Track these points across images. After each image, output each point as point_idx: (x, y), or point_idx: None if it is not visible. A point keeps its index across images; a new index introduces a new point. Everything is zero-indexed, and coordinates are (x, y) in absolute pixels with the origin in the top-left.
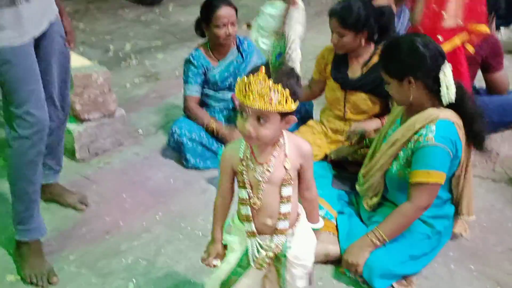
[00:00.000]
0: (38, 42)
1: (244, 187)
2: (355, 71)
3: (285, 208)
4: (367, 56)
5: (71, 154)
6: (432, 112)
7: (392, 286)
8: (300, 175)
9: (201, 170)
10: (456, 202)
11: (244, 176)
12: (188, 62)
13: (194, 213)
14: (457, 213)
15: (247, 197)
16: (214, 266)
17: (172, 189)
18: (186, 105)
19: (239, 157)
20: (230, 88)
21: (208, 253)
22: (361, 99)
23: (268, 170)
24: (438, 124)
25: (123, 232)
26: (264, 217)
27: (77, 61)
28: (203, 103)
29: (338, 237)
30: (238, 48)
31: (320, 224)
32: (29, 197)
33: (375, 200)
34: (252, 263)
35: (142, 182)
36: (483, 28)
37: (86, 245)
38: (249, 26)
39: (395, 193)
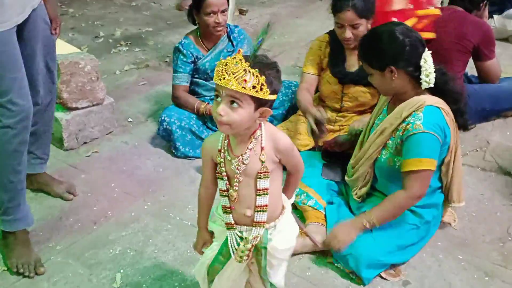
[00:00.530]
0: (21, 29)
1: (222, 178)
2: (352, 64)
3: (261, 201)
4: None
5: (59, 143)
6: (418, 99)
7: (380, 275)
8: (285, 164)
9: (190, 160)
10: (446, 190)
11: (222, 167)
12: (177, 50)
13: (183, 202)
14: (447, 201)
15: (225, 189)
16: (202, 253)
17: (161, 178)
18: (175, 94)
19: (218, 148)
20: None
21: (197, 241)
22: (360, 92)
23: (243, 163)
24: (425, 111)
25: (111, 222)
26: (242, 208)
27: (64, 48)
28: (193, 92)
29: (326, 227)
30: (228, 36)
31: (292, 199)
32: (14, 187)
33: (364, 190)
34: (232, 255)
35: (131, 171)
36: (433, 11)
37: (74, 235)
38: (241, 12)
39: (385, 182)
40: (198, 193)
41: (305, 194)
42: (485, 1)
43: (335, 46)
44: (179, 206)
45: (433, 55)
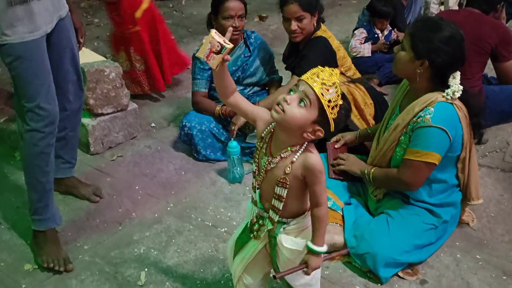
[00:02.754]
0: (49, 38)
1: (255, 162)
2: None
3: (276, 203)
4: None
5: (85, 147)
6: (431, 95)
7: (398, 274)
8: (308, 187)
9: (211, 163)
10: (463, 188)
11: (257, 154)
12: (195, 57)
13: (204, 204)
14: (465, 199)
15: (254, 172)
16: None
17: (183, 180)
18: (194, 100)
19: (262, 135)
20: (238, 81)
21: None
22: None
23: (270, 164)
24: (437, 106)
25: (135, 222)
26: (263, 198)
27: (89, 56)
28: (213, 98)
29: (344, 227)
30: (245, 42)
31: (323, 248)
32: (43, 187)
33: (381, 190)
34: (249, 230)
35: (153, 174)
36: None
37: (100, 235)
38: (261, 18)
39: None
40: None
41: None
42: (503, 2)
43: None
44: (200, 208)
45: None
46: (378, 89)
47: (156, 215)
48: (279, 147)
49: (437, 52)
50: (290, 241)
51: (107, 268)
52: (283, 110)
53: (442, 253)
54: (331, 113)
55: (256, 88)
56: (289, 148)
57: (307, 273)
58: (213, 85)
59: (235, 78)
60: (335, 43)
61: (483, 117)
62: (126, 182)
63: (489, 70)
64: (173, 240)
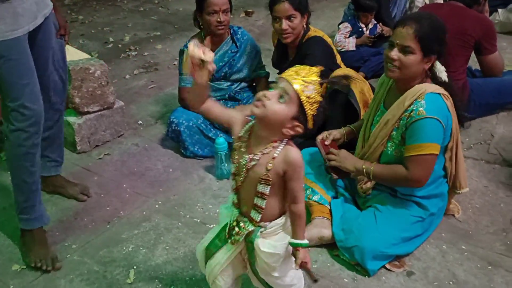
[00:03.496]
0: (34, 36)
1: (233, 163)
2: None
3: (258, 202)
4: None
5: (72, 146)
6: (419, 88)
7: (385, 266)
8: (285, 184)
9: (199, 160)
10: (451, 177)
11: (235, 154)
12: (182, 53)
13: (192, 201)
14: (453, 189)
15: (234, 174)
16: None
17: (171, 178)
18: (181, 96)
19: (240, 135)
20: (226, 77)
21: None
22: None
23: (252, 162)
24: (427, 98)
25: (124, 221)
26: (243, 200)
27: (74, 55)
28: None
29: (331, 221)
30: (232, 37)
31: (305, 241)
32: (29, 188)
33: (369, 184)
34: (227, 235)
35: (142, 172)
36: None
37: (88, 234)
38: (247, 13)
39: None
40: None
41: (310, 189)
42: None
43: (279, 45)
44: (189, 205)
45: None
46: None
47: (144, 213)
48: (260, 143)
49: (442, 44)
50: (267, 245)
51: (95, 267)
52: (263, 106)
53: (428, 245)
54: (310, 109)
55: (243, 84)
56: (270, 145)
57: (300, 266)
58: None
59: (222, 74)
60: (328, 41)
61: (467, 110)
62: (113, 181)
63: (474, 63)
64: (162, 238)
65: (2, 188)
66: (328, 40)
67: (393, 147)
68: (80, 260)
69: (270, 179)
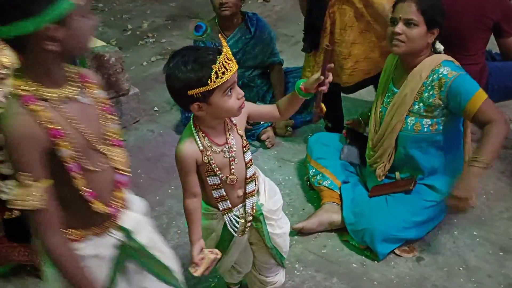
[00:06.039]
0: None
1: (215, 174)
2: None
3: (250, 172)
4: None
5: None
6: (432, 58)
7: (394, 252)
8: (250, 117)
9: None
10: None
11: (212, 163)
12: (195, 41)
13: None
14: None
15: (219, 182)
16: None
17: None
18: None
19: (200, 150)
20: (239, 64)
21: (193, 254)
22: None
23: (232, 145)
24: (445, 63)
25: None
26: (237, 190)
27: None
28: None
29: (342, 206)
30: (246, 23)
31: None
32: None
33: (388, 166)
34: (234, 234)
35: (157, 158)
36: None
37: None
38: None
39: (409, 155)
40: (184, 208)
41: (320, 175)
42: None
43: None
44: None
45: (453, 32)
46: None
47: (157, 198)
48: (220, 131)
49: (443, 17)
50: (274, 202)
51: None
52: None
53: (439, 230)
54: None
55: (257, 71)
56: (226, 122)
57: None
58: None
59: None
60: None
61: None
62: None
63: (494, 45)
64: (174, 222)
65: None
66: None
67: (413, 121)
68: None
69: (248, 143)
